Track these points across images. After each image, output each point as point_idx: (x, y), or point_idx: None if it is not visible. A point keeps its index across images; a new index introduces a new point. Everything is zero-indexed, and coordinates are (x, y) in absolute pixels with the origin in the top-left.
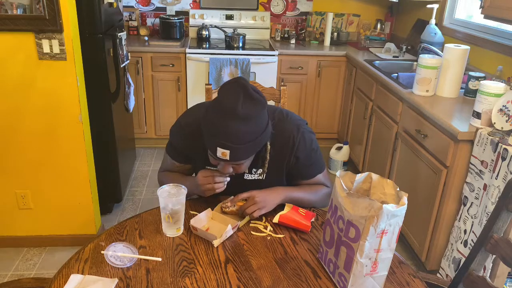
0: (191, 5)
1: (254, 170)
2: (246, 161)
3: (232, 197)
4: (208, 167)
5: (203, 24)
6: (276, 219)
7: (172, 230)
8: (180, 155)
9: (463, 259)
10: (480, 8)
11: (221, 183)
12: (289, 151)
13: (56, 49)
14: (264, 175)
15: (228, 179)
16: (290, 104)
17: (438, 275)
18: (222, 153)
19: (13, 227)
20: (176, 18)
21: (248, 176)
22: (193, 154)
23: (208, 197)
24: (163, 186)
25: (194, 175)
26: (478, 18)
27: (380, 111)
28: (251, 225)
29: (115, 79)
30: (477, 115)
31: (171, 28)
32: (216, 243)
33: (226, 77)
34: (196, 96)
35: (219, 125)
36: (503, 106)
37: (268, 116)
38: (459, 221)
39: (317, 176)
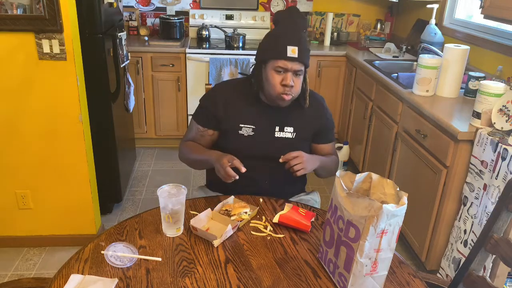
0: (191, 5)
1: (286, 128)
2: (303, 74)
3: (233, 196)
4: (241, 125)
5: (203, 24)
6: (276, 219)
7: (172, 230)
8: (207, 118)
9: (463, 259)
10: (480, 8)
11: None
12: (320, 112)
13: (56, 49)
14: (294, 134)
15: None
16: None
17: (438, 275)
18: (292, 50)
19: (13, 227)
20: (176, 18)
21: (279, 134)
22: (224, 114)
23: (214, 187)
24: (162, 186)
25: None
26: (478, 18)
27: (380, 111)
28: (251, 225)
29: (115, 79)
30: (477, 115)
31: (171, 28)
32: (216, 243)
33: (226, 77)
34: (196, 96)
35: (283, 29)
36: (503, 106)
37: None
38: (459, 221)
39: (332, 142)
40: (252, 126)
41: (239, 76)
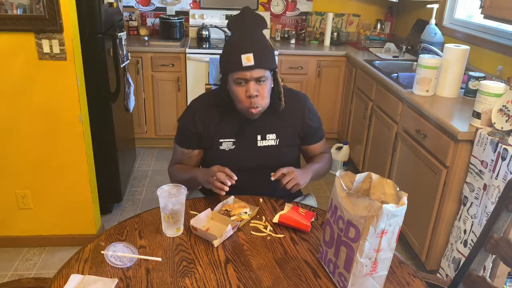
0: (191, 5)
1: (268, 135)
2: (267, 80)
3: (233, 196)
4: (221, 140)
5: (203, 24)
6: (276, 219)
7: (172, 230)
8: (190, 139)
9: (463, 259)
10: (480, 8)
11: (226, 185)
12: (300, 117)
13: (56, 49)
14: (278, 140)
15: (229, 183)
16: None
17: (438, 275)
18: (247, 57)
19: (13, 227)
20: (176, 18)
21: (262, 143)
22: (204, 131)
23: (209, 194)
24: (162, 186)
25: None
26: (478, 18)
27: (380, 111)
28: (251, 225)
29: (115, 79)
30: (477, 115)
31: (171, 28)
32: (216, 243)
33: None
34: (196, 96)
35: (235, 39)
36: (503, 106)
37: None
38: (459, 221)
39: (322, 140)
40: (232, 140)
41: (213, 87)
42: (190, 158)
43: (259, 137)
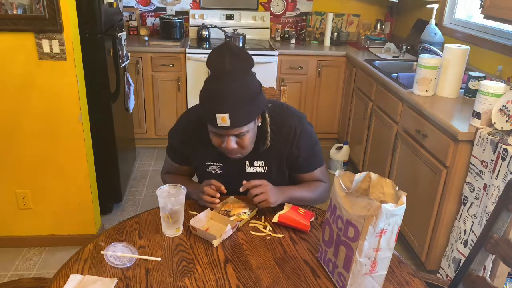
0: (191, 5)
1: (256, 162)
2: (248, 131)
3: (232, 196)
4: (208, 163)
5: (203, 24)
6: (275, 219)
7: (171, 230)
8: (178, 156)
9: (463, 259)
10: (480, 8)
11: (217, 200)
12: (290, 141)
13: (56, 49)
14: (266, 168)
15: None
16: (289, 104)
17: (438, 275)
18: (222, 118)
19: (13, 227)
20: (176, 18)
21: (250, 169)
22: (191, 153)
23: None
24: (162, 186)
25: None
26: (478, 18)
27: (380, 111)
28: (250, 225)
29: (115, 79)
30: (477, 115)
31: (171, 28)
32: (215, 243)
33: None
34: (196, 96)
35: (212, 91)
36: (503, 106)
37: (259, 82)
38: (459, 221)
39: (316, 170)
40: (219, 164)
41: None
42: (181, 171)
43: (247, 163)
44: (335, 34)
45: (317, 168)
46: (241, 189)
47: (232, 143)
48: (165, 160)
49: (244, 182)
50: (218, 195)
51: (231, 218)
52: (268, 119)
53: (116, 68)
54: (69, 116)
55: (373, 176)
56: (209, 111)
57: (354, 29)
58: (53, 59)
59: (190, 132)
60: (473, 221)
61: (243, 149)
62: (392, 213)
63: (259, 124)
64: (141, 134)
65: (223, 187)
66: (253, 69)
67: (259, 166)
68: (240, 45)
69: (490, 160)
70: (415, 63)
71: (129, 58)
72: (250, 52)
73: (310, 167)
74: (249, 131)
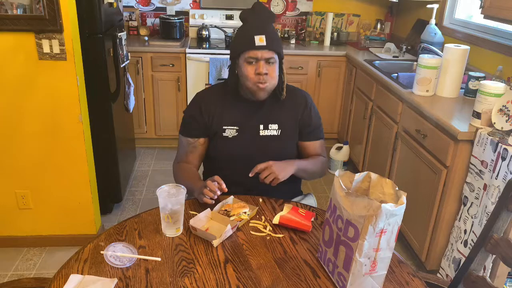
0: (191, 5)
1: (270, 125)
2: (275, 63)
3: (232, 196)
4: (225, 127)
5: (203, 24)
6: (276, 220)
7: (171, 230)
8: (195, 128)
9: (463, 259)
10: (480, 8)
11: (215, 195)
12: (302, 108)
13: (56, 49)
14: (280, 131)
15: (219, 192)
16: None
17: (438, 275)
18: (260, 38)
19: (13, 227)
20: (176, 18)
21: (264, 132)
22: (209, 118)
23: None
24: (162, 186)
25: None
26: (478, 18)
27: (380, 111)
28: (250, 225)
29: (115, 79)
30: (477, 115)
31: (171, 28)
32: (215, 243)
33: (226, 77)
34: None
35: (250, 21)
36: (503, 106)
37: None
38: (459, 221)
39: (320, 141)
40: (235, 127)
41: (218, 82)
42: (195, 147)
43: (261, 127)
44: (335, 34)
45: (321, 139)
46: (250, 174)
47: (263, 67)
48: (179, 144)
49: (250, 174)
50: (218, 192)
51: (231, 218)
52: (284, 70)
53: (116, 68)
54: (69, 116)
55: (373, 176)
56: (248, 36)
57: (354, 29)
58: (53, 59)
59: (207, 101)
60: (473, 221)
61: (272, 78)
62: (392, 213)
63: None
64: (141, 134)
65: (224, 185)
66: None
67: (273, 129)
68: None
69: (490, 160)
70: (415, 63)
71: (129, 58)
72: None
73: (316, 136)
74: (276, 63)
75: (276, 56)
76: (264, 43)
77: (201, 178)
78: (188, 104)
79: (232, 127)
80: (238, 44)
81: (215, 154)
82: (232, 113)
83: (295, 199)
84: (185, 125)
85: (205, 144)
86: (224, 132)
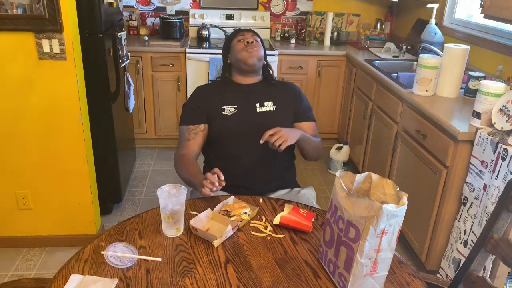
0: (191, 5)
1: (266, 102)
2: (261, 46)
3: (233, 197)
4: (224, 106)
5: (203, 24)
6: (277, 221)
7: (172, 230)
8: (196, 114)
9: (463, 259)
10: (480, 8)
11: (215, 187)
12: (293, 93)
13: (56, 49)
14: (275, 107)
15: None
16: None
17: (438, 275)
18: (244, 29)
19: (13, 227)
20: (176, 18)
21: (261, 109)
22: (208, 103)
23: (204, 195)
24: (162, 186)
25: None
26: (478, 18)
27: (380, 111)
28: (251, 225)
29: (115, 79)
30: (477, 115)
31: (171, 28)
32: (216, 243)
33: None
34: None
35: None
36: (503, 106)
37: None
38: (459, 221)
39: (313, 122)
40: (234, 106)
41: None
42: (196, 134)
43: (258, 105)
44: (335, 34)
45: (314, 122)
46: (261, 141)
47: (250, 38)
48: (180, 135)
49: (261, 141)
50: (217, 184)
51: (232, 219)
52: (270, 63)
53: (116, 68)
54: (69, 116)
55: (374, 176)
56: (236, 32)
57: (354, 29)
58: (53, 59)
59: (206, 90)
60: (473, 221)
61: (258, 49)
62: (393, 214)
63: (264, 62)
64: (141, 134)
65: (222, 177)
66: None
67: (269, 106)
68: None
69: (490, 160)
70: (415, 63)
71: (129, 58)
72: None
73: (310, 117)
74: (261, 47)
75: (259, 39)
76: (249, 29)
77: (201, 171)
78: (188, 97)
79: (231, 106)
80: (228, 39)
81: (216, 133)
82: (230, 95)
83: (294, 190)
84: (186, 115)
85: (205, 131)
86: (224, 111)
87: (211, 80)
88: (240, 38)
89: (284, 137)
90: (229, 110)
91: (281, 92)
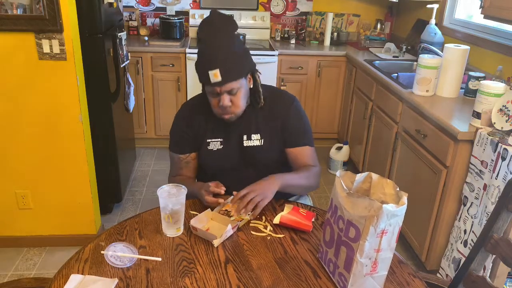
0: (191, 5)
1: (253, 135)
2: (240, 88)
3: (232, 196)
4: (209, 140)
5: None
6: (277, 220)
7: (172, 230)
8: (183, 144)
9: (463, 259)
10: (480, 8)
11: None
12: (283, 113)
13: (56, 49)
14: (262, 140)
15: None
16: None
17: (438, 275)
18: (214, 74)
19: (13, 227)
20: (176, 18)
21: (247, 143)
22: (193, 134)
23: (207, 203)
24: (163, 186)
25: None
26: (478, 18)
27: (380, 111)
28: (251, 225)
29: (115, 79)
30: (477, 115)
31: (171, 28)
32: (216, 243)
33: None
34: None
35: (203, 51)
36: (503, 106)
37: (245, 45)
38: (459, 221)
39: (307, 147)
40: (219, 139)
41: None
42: (188, 163)
43: (245, 137)
44: (335, 34)
45: (308, 146)
46: (231, 204)
47: (226, 100)
48: (171, 161)
49: (231, 200)
50: (222, 191)
51: (231, 218)
52: (258, 80)
53: (116, 68)
54: (69, 116)
55: (374, 176)
56: (202, 70)
57: (354, 29)
58: (53, 59)
59: (189, 117)
60: (473, 221)
61: (236, 108)
62: (393, 213)
63: (251, 86)
64: (141, 134)
65: (223, 190)
66: None
67: (255, 140)
68: None
69: (490, 160)
70: (415, 63)
71: (129, 58)
72: (250, 52)
73: (301, 141)
74: (241, 88)
75: (241, 81)
76: (219, 79)
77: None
78: (172, 122)
79: (216, 140)
80: (198, 72)
81: (203, 165)
82: (215, 125)
83: (290, 199)
84: (175, 142)
85: (197, 158)
86: (209, 146)
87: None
88: (212, 93)
89: (257, 198)
90: (214, 144)
91: (270, 118)
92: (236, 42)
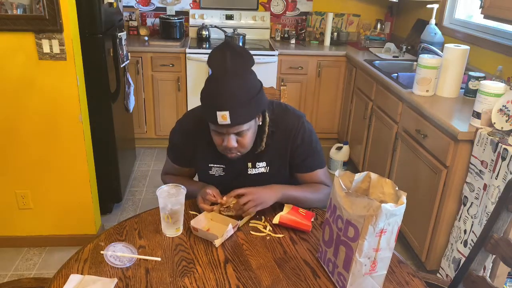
0: (191, 5)
1: (258, 163)
2: (249, 129)
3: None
4: (211, 165)
5: (203, 24)
6: (276, 220)
7: (171, 230)
8: (180, 158)
9: (463, 259)
10: (480, 8)
11: (212, 207)
12: (290, 140)
13: (56, 49)
14: (268, 168)
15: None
16: (290, 104)
17: (438, 275)
18: (222, 116)
19: (13, 227)
20: (176, 18)
21: (252, 171)
22: (193, 154)
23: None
24: (162, 186)
25: (197, 177)
26: (478, 18)
27: (380, 111)
28: (250, 225)
29: (115, 79)
30: (477, 115)
31: (171, 28)
32: (217, 243)
33: None
34: (196, 96)
35: (213, 89)
36: (503, 106)
37: (259, 81)
38: (459, 221)
39: (317, 171)
40: (222, 166)
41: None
42: (182, 172)
43: (249, 165)
44: (335, 34)
45: (318, 169)
46: (224, 198)
47: (232, 141)
48: (166, 161)
49: (227, 195)
50: (215, 202)
51: (230, 213)
52: (268, 119)
53: (116, 68)
54: (69, 116)
55: (373, 176)
56: (210, 109)
57: (354, 29)
58: (53, 59)
59: (192, 132)
60: (473, 221)
61: (243, 148)
62: (392, 213)
63: (260, 123)
64: (141, 134)
65: (220, 199)
66: (253, 69)
67: (261, 167)
68: (240, 45)
69: (490, 160)
70: (415, 63)
71: (129, 58)
72: (250, 52)
73: (310, 166)
74: (250, 129)
75: (248, 125)
76: (228, 122)
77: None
78: (173, 128)
79: (219, 166)
80: (203, 105)
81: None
82: (217, 149)
83: None
84: (172, 150)
85: (192, 170)
86: (211, 170)
87: None
88: (217, 132)
89: (255, 201)
90: (216, 170)
91: (276, 144)
92: (249, 83)
